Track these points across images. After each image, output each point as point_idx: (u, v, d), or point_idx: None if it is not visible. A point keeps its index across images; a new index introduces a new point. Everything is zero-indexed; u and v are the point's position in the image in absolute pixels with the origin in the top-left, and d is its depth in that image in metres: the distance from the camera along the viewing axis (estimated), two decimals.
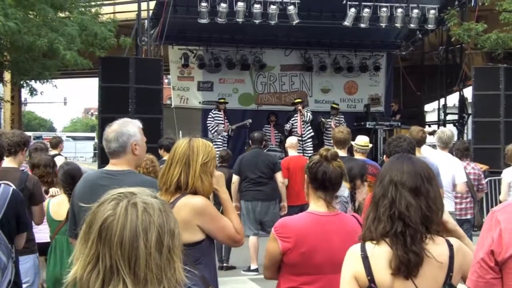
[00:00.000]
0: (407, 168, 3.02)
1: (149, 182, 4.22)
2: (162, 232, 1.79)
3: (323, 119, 18.32)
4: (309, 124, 17.80)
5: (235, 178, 11.09)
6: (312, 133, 17.92)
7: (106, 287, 1.75)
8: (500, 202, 10.99)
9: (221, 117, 17.90)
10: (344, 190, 7.21)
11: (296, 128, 17.56)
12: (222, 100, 18.43)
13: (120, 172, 4.31)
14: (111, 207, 1.79)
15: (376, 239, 2.91)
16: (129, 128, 4.37)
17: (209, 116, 18.03)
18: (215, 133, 17.58)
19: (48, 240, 6.72)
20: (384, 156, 6.29)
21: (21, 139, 6.35)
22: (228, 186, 11.12)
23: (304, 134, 17.57)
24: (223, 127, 17.73)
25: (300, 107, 17.63)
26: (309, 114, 17.76)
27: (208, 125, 17.84)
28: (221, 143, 17.34)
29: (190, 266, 3.38)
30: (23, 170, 6.59)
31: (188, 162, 4.02)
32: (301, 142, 16.91)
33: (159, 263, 1.77)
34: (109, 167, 4.44)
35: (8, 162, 6.14)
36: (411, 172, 3.00)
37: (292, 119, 17.78)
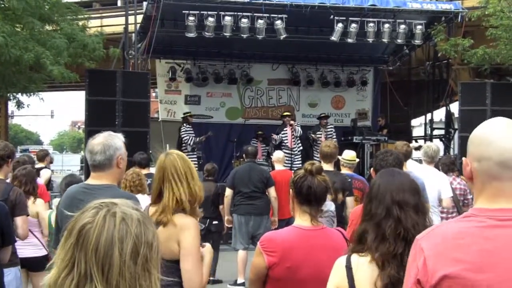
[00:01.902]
0: (406, 185, 3.06)
1: (125, 197, 4.18)
2: (139, 243, 1.81)
3: (312, 135, 18.25)
4: (298, 138, 17.83)
5: (229, 192, 11.08)
6: (301, 147, 17.94)
7: None
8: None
9: (192, 131, 17.82)
10: (331, 204, 7.23)
11: (287, 141, 17.56)
12: (190, 114, 18.29)
13: (98, 187, 4.26)
14: (91, 215, 1.82)
15: (375, 258, 2.94)
16: (115, 141, 4.36)
17: (182, 130, 17.84)
18: (197, 143, 17.52)
19: (33, 255, 6.69)
20: (371, 169, 6.28)
21: (5, 152, 6.28)
22: (215, 200, 11.15)
23: (295, 148, 17.57)
24: (200, 139, 17.71)
25: (291, 121, 17.65)
26: (299, 128, 17.77)
27: (185, 139, 17.70)
28: (197, 157, 17.29)
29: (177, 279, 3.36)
30: (7, 182, 6.51)
31: (192, 175, 4.06)
32: (291, 156, 16.93)
33: (134, 273, 1.79)
34: (90, 180, 4.42)
35: None
36: (406, 188, 3.04)
37: (282, 133, 17.75)
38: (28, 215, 6.35)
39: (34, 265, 6.75)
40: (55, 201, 6.94)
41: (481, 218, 2.19)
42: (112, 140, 4.35)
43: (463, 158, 2.34)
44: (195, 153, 17.40)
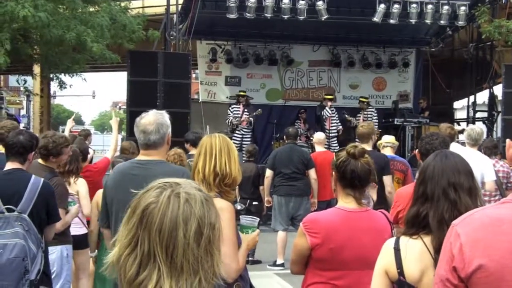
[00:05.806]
0: (460, 166, 3.03)
1: (179, 171, 4.26)
2: (202, 224, 1.81)
3: (346, 116, 18.15)
4: (339, 121, 17.82)
5: (269, 173, 11.09)
6: (340, 127, 17.85)
7: (142, 271, 1.78)
8: None
9: (238, 111, 17.73)
10: None
11: (325, 123, 17.54)
12: (242, 93, 18.15)
13: (151, 162, 4.37)
14: (155, 194, 1.82)
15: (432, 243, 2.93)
16: (166, 119, 4.47)
17: (228, 111, 18.02)
18: (232, 125, 17.45)
19: (74, 233, 6.71)
20: (416, 151, 6.17)
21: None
22: (256, 180, 11.17)
23: (332, 129, 17.53)
24: (239, 119, 17.48)
25: (329, 103, 17.64)
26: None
27: (226, 120, 17.85)
28: (239, 138, 17.28)
29: None
30: (53, 171, 6.32)
31: (228, 154, 4.01)
32: (329, 138, 16.81)
33: (197, 254, 1.79)
34: (140, 157, 4.51)
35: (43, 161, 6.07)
36: (461, 170, 3.02)
37: (322, 112, 17.77)
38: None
39: (75, 243, 6.80)
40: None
41: None
42: (163, 118, 4.44)
43: (507, 140, 2.26)
44: (235, 134, 17.25)
